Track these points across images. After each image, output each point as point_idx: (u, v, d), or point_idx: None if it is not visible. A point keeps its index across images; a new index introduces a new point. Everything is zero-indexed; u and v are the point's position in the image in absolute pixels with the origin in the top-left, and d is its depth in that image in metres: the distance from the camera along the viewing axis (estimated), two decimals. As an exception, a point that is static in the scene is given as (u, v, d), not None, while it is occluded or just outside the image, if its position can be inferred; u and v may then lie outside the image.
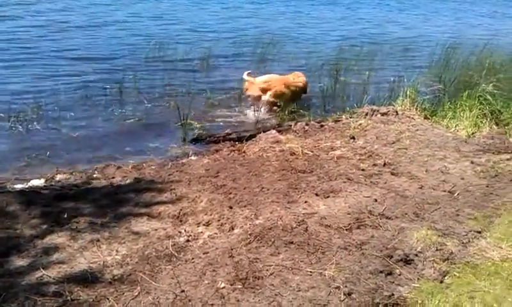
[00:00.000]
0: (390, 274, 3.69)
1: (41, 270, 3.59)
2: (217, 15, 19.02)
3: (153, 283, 3.49)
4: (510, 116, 7.63)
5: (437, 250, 3.97)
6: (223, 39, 14.29)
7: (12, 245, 3.93)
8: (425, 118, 7.76)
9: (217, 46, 12.82)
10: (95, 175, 5.60)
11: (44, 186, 5.25)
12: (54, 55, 10.77)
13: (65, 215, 4.43)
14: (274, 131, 7.06)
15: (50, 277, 3.51)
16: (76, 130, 7.02)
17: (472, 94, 7.89)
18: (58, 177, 5.51)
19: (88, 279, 3.51)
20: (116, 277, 3.53)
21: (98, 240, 4.03)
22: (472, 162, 5.94)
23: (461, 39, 15.99)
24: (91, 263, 3.72)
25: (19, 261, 3.71)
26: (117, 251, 3.90)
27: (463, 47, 13.96)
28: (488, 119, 7.50)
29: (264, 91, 8.57)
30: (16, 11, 14.83)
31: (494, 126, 7.39)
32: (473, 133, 7.07)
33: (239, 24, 17.24)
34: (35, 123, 7.11)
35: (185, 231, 4.25)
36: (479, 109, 7.59)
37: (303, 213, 4.53)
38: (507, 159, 6.09)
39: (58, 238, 4.06)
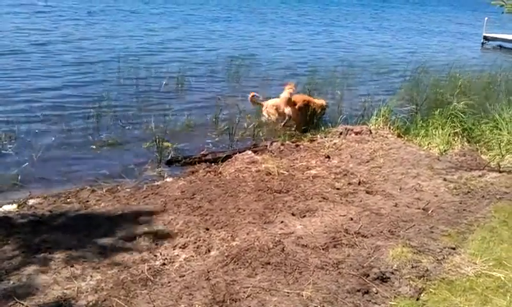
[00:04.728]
0: (366, 292, 3.69)
1: (15, 298, 3.49)
2: (189, 36, 19.14)
3: (129, 308, 3.43)
4: (481, 133, 7.79)
5: (413, 267, 4.00)
6: (196, 60, 14.40)
7: (-17, 273, 3.83)
8: (399, 136, 7.88)
9: (190, 67, 12.88)
10: (68, 199, 5.51)
11: (17, 211, 5.14)
12: (28, 79, 10.69)
13: (38, 241, 4.34)
14: (250, 151, 7.07)
15: (23, 305, 3.42)
16: (50, 154, 6.92)
17: (443, 113, 8.04)
18: (31, 202, 5.40)
19: (62, 306, 3.43)
20: (90, 304, 3.46)
21: (72, 266, 3.95)
22: (445, 179, 6.03)
23: (431, 58, 16.35)
24: (65, 289, 3.64)
25: (-9, 290, 3.62)
26: (91, 276, 3.83)
27: (433, 67, 14.28)
28: (460, 137, 7.64)
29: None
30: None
31: (466, 143, 7.52)
32: (445, 151, 7.19)
33: (212, 45, 17.44)
34: (7, 146, 6.98)
35: (160, 254, 4.20)
36: (451, 127, 7.73)
37: (280, 234, 4.53)
38: (479, 176, 6.20)
39: (31, 264, 3.97)
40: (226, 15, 29.14)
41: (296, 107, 8.80)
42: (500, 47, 25.93)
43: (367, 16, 37.84)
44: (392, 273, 3.93)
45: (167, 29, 20.59)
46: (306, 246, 4.30)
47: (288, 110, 8.80)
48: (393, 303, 3.58)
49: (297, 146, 7.51)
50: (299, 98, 8.96)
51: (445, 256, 4.21)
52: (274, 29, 24.04)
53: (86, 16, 21.84)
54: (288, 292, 3.62)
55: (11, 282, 3.71)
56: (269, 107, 9.04)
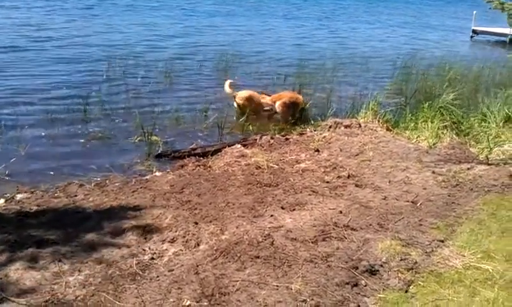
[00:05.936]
0: (356, 285, 3.70)
1: (2, 293, 3.46)
2: (180, 30, 19.07)
3: (117, 303, 3.41)
4: (469, 126, 7.83)
5: (401, 260, 4.01)
6: (186, 54, 14.35)
7: (-31, 268, 3.79)
8: (388, 129, 7.89)
9: (179, 61, 12.83)
10: (56, 194, 5.47)
11: (4, 206, 5.10)
12: (15, 73, 10.60)
13: (26, 236, 4.30)
14: (239, 145, 7.06)
15: (10, 300, 3.39)
16: (37, 148, 6.86)
17: (432, 106, 8.07)
18: (19, 197, 5.36)
19: (49, 301, 3.40)
20: (78, 299, 3.44)
21: (60, 261, 3.92)
22: (434, 172, 6.04)
23: (421, 51, 16.41)
24: (53, 284, 3.61)
25: (-23, 286, 3.58)
26: (79, 271, 3.80)
27: (423, 60, 14.32)
28: (449, 130, 7.67)
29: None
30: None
31: (454, 136, 7.55)
32: (434, 144, 7.21)
33: (202, 39, 17.37)
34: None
35: (149, 248, 4.18)
36: (440, 120, 7.76)
37: (269, 227, 4.52)
38: (468, 168, 6.22)
39: (19, 259, 3.93)
40: (219, 9, 29.04)
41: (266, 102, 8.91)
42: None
43: (360, 10, 37.85)
44: (381, 266, 3.94)
45: (158, 23, 20.48)
46: (295, 239, 4.30)
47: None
48: (382, 295, 3.59)
49: (286, 139, 7.51)
50: (285, 95, 9.00)
51: (434, 249, 4.22)
52: (265, 24, 24.01)
53: (77, 11, 21.69)
54: (277, 285, 3.61)
55: (-2, 277, 3.68)
56: (240, 99, 9.05)
